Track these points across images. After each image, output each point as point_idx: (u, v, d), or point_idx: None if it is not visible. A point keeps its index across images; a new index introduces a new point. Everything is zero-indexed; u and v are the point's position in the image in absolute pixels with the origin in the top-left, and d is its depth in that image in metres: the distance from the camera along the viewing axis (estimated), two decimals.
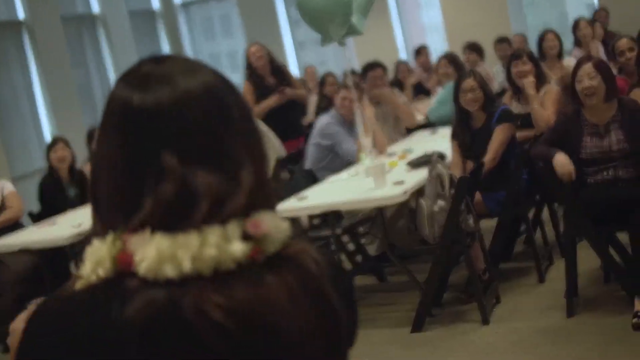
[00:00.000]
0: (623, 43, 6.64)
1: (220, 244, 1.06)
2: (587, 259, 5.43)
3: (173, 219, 1.07)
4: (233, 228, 1.07)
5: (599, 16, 10.93)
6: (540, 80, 6.43)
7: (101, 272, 1.08)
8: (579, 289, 5.20)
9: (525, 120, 6.28)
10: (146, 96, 1.11)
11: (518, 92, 6.50)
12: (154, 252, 1.05)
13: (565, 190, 5.04)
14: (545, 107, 6.26)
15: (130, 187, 1.10)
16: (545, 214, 6.34)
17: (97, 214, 1.16)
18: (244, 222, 1.08)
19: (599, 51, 8.82)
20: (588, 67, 5.04)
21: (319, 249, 1.20)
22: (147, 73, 1.14)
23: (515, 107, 6.41)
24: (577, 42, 9.20)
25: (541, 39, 8.30)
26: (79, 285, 1.10)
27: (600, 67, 5.04)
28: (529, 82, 6.29)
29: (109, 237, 1.09)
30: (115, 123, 1.13)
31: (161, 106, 1.10)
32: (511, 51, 9.29)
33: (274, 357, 1.08)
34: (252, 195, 1.10)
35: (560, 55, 8.20)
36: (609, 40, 8.99)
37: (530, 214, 6.17)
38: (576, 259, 5.10)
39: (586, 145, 5.02)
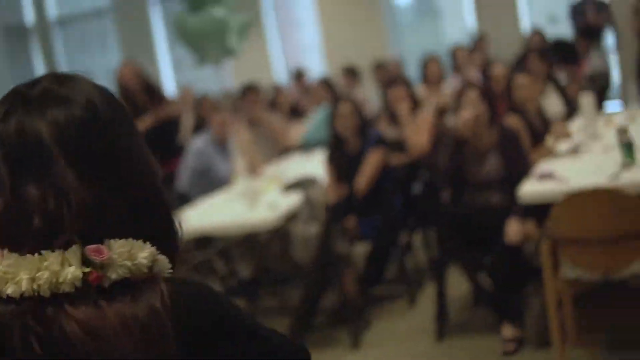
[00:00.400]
0: (498, 69, 6.81)
1: (56, 268, 1.11)
2: (458, 283, 5.51)
3: (10, 233, 1.14)
4: (73, 252, 1.13)
5: (479, 43, 11.18)
6: (416, 106, 6.52)
7: None
8: (449, 313, 5.27)
9: (400, 146, 6.35)
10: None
11: (393, 117, 6.58)
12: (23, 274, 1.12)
13: (438, 215, 5.12)
14: (419, 133, 6.34)
15: None
16: (418, 238, 6.41)
17: None
18: (85, 247, 1.13)
19: (474, 77, 9.02)
20: (472, 93, 5.13)
21: (189, 281, 1.24)
22: (9, 102, 1.23)
23: (390, 133, 6.49)
24: (455, 68, 9.40)
25: (424, 64, 8.46)
26: None
27: (484, 94, 5.15)
28: (404, 108, 6.37)
29: None
30: None
31: (7, 138, 1.19)
32: (388, 75, 9.45)
33: None
34: (89, 219, 1.15)
35: (441, 79, 8.38)
36: (486, 66, 9.22)
37: (404, 238, 6.22)
38: (446, 283, 5.17)
39: (467, 169, 5.11)
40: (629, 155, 4.83)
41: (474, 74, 9.17)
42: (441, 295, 5.11)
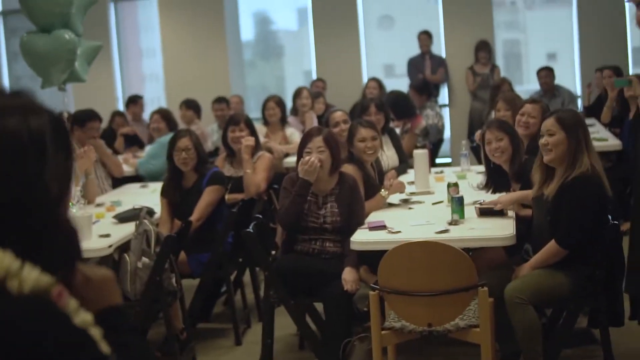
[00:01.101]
0: (338, 115, 6.93)
1: None
2: (284, 324, 5.55)
3: None
4: None
5: (318, 86, 11.35)
6: (255, 146, 6.54)
7: None
8: (274, 353, 5.27)
9: (236, 184, 6.36)
10: None
11: (232, 155, 6.60)
12: None
13: (267, 256, 5.15)
14: (257, 172, 6.38)
15: None
16: (247, 276, 6.41)
17: None
18: None
19: (314, 121, 9.14)
20: (318, 140, 5.19)
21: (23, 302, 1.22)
22: None
23: (228, 170, 6.50)
24: (294, 111, 9.50)
25: (263, 106, 8.52)
26: None
27: (329, 140, 5.22)
28: (244, 147, 6.39)
29: None
30: None
31: None
32: (228, 111, 9.45)
33: None
34: None
35: (283, 121, 8.45)
36: (326, 111, 9.38)
37: (233, 276, 6.22)
38: (273, 323, 5.19)
39: (304, 213, 5.16)
40: (458, 211, 5.02)
41: (311, 118, 9.30)
42: (267, 336, 5.12)
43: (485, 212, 5.11)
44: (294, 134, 8.55)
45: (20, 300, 1.22)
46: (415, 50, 12.06)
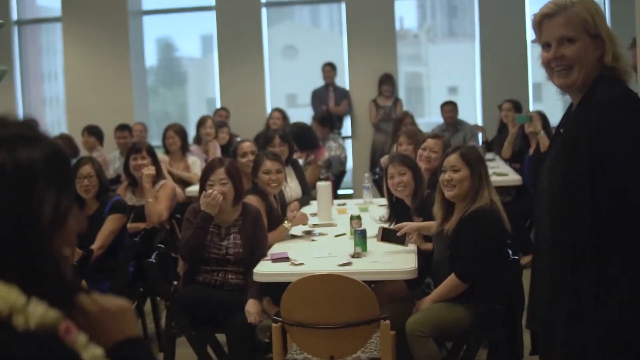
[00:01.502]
0: (247, 145, 6.91)
1: None
2: (185, 354, 5.48)
3: None
4: None
5: (222, 115, 11.32)
6: (157, 175, 6.49)
7: None
8: None
9: (138, 213, 6.29)
10: None
11: (134, 184, 6.52)
12: None
13: (169, 286, 5.10)
14: (159, 201, 6.32)
15: None
16: (147, 306, 6.32)
17: None
18: None
19: (217, 151, 9.11)
20: (221, 172, 5.18)
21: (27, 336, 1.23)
22: None
23: (130, 199, 6.43)
24: (198, 140, 9.44)
25: (164, 135, 8.46)
26: None
27: (231, 172, 5.20)
28: (144, 176, 6.33)
29: None
30: None
31: None
32: (131, 139, 9.35)
33: None
34: None
35: (183, 149, 8.39)
36: (231, 141, 9.37)
37: (133, 305, 6.11)
38: (174, 354, 5.12)
39: (207, 245, 5.12)
40: (361, 243, 5.06)
41: (215, 147, 9.27)
42: None
43: (387, 236, 5.14)
44: (196, 162, 8.51)
45: (27, 336, 1.22)
46: (319, 81, 12.14)
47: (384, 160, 6.94)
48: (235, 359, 4.88)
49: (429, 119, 12.81)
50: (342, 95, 12.05)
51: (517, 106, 9.81)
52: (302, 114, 11.82)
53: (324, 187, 6.36)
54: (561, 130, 2.95)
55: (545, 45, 2.88)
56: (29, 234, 1.29)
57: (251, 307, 4.87)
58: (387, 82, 11.83)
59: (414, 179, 5.49)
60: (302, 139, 8.52)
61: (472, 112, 12.43)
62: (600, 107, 2.72)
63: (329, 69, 12.02)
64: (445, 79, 14.04)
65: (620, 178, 2.67)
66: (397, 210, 5.69)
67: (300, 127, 8.90)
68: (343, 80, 12.46)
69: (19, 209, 1.29)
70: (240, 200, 5.26)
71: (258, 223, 5.29)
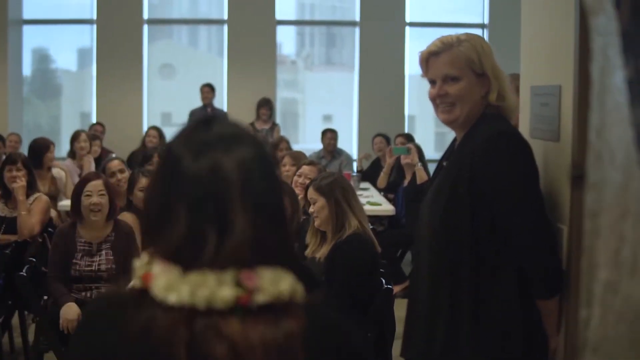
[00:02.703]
0: (115, 164, 6.87)
1: (213, 286, 1.31)
2: None
3: (182, 256, 1.34)
4: (229, 275, 1.32)
5: (97, 130, 11.19)
6: (32, 187, 6.39)
7: (136, 283, 1.38)
8: None
9: (10, 225, 6.18)
10: (192, 164, 1.39)
11: (7, 196, 6.39)
12: (164, 280, 1.33)
13: (39, 301, 5.04)
14: (32, 214, 6.23)
15: (160, 224, 1.39)
16: (15, 319, 6.19)
17: (144, 235, 1.46)
18: (240, 272, 1.33)
19: (92, 165, 9.01)
20: (98, 183, 5.15)
21: (323, 311, 1.44)
22: (200, 141, 1.42)
23: (2, 210, 6.30)
24: (72, 154, 9.31)
25: (33, 146, 8.29)
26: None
27: (108, 185, 5.20)
28: (17, 188, 6.23)
29: (145, 256, 1.40)
30: (165, 173, 1.42)
31: (197, 176, 1.38)
32: (4, 150, 9.15)
33: None
34: (244, 250, 1.34)
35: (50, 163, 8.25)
36: (103, 156, 9.26)
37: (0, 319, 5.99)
38: None
39: (77, 263, 5.08)
40: None
41: (89, 162, 9.16)
42: None
43: None
44: (62, 176, 8.37)
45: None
46: (196, 101, 12.14)
47: None
48: None
49: (304, 145, 12.98)
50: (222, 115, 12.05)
51: (387, 140, 10.11)
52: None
53: None
54: (444, 164, 3.08)
55: (432, 82, 3.01)
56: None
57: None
58: (265, 106, 11.94)
59: (290, 204, 5.58)
60: None
61: (348, 141, 12.65)
62: (482, 142, 2.86)
63: (208, 89, 12.03)
64: (321, 106, 14.25)
65: (499, 208, 2.82)
66: None
67: None
68: (221, 101, 12.51)
69: None
70: (113, 216, 5.24)
71: (131, 239, 5.27)
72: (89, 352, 1.41)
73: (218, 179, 1.38)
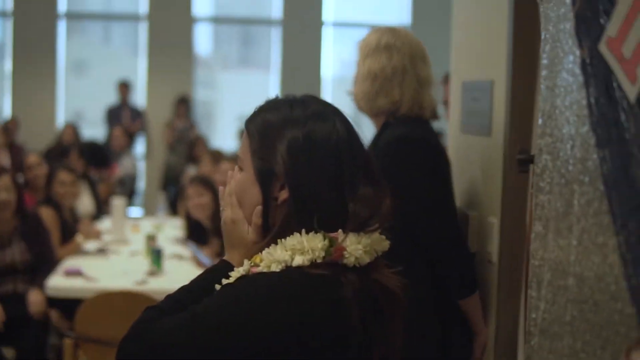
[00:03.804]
0: (33, 159, 6.72)
1: (376, 244, 1.61)
2: None
3: (363, 225, 1.59)
4: (377, 233, 1.62)
5: (10, 124, 10.94)
6: None
7: (308, 259, 1.55)
8: None
9: None
10: (341, 130, 1.64)
11: None
12: (360, 248, 1.57)
13: None
14: None
15: (335, 202, 1.59)
16: None
17: (296, 220, 1.59)
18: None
19: (6, 160, 8.81)
20: (6, 179, 5.01)
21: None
22: (320, 113, 1.65)
23: None
24: None
25: None
26: (270, 265, 1.57)
27: (16, 181, 5.06)
28: None
29: (318, 235, 1.56)
30: (329, 154, 1.60)
31: (354, 139, 1.66)
32: None
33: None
34: (391, 215, 1.64)
35: None
36: (16, 151, 9.05)
37: None
38: None
39: None
40: (157, 262, 5.05)
41: (3, 158, 8.96)
42: None
43: None
44: None
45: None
46: (110, 98, 11.97)
47: (185, 180, 6.97)
48: None
49: (220, 143, 12.91)
50: (136, 114, 11.92)
51: None
52: (91, 131, 11.64)
53: (119, 204, 6.29)
54: None
55: None
56: None
57: (37, 297, 4.76)
58: (184, 104, 11.82)
59: (214, 200, 5.54)
60: (96, 155, 8.40)
61: None
62: (381, 147, 2.87)
63: (124, 87, 11.87)
64: (237, 106, 14.23)
65: (407, 214, 2.81)
66: (195, 232, 5.72)
67: (94, 144, 8.78)
68: (137, 98, 12.35)
69: None
70: (22, 212, 5.09)
71: (39, 223, 5.16)
72: (302, 321, 1.53)
73: (352, 147, 1.64)
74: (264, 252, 1.61)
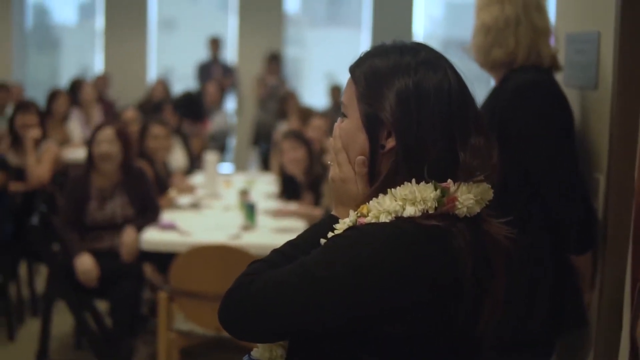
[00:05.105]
0: (130, 114, 6.79)
1: (484, 194, 1.59)
2: (61, 322, 5.38)
3: (470, 175, 1.55)
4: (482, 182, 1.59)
5: (99, 80, 11.10)
6: (43, 136, 6.29)
7: (420, 209, 1.52)
8: (50, 351, 5.09)
9: (21, 173, 6.10)
10: (453, 79, 1.60)
11: (17, 143, 6.28)
12: (472, 197, 1.55)
13: (50, 250, 4.96)
14: (41, 163, 6.15)
15: (446, 151, 1.55)
16: (22, 269, 6.12)
17: (405, 169, 1.55)
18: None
19: (100, 115, 8.94)
20: (109, 132, 5.02)
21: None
22: (431, 61, 1.61)
23: (13, 158, 6.19)
24: (77, 102, 9.21)
25: (50, 97, 8.21)
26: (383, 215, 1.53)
27: (121, 133, 5.07)
28: (30, 136, 6.13)
29: (429, 185, 1.53)
30: (441, 103, 1.56)
31: (465, 89, 1.63)
32: (9, 99, 9.05)
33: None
34: (497, 167, 1.62)
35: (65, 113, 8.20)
36: (109, 106, 9.17)
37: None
38: (51, 320, 5.00)
39: (90, 210, 4.98)
40: (250, 217, 5.06)
41: (95, 113, 9.09)
42: (45, 333, 4.93)
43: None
44: (76, 128, 8.33)
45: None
46: (202, 55, 12.04)
47: (277, 135, 6.96)
48: (116, 328, 4.79)
49: (310, 100, 12.91)
50: (227, 70, 11.97)
51: None
52: (182, 86, 11.75)
53: (211, 159, 6.31)
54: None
55: None
56: None
57: (127, 236, 4.84)
58: (275, 60, 11.80)
59: (308, 155, 5.52)
60: (190, 109, 8.44)
61: None
62: (511, 91, 2.83)
63: (215, 43, 11.91)
64: (325, 64, 14.18)
65: (531, 159, 2.78)
66: (288, 187, 5.72)
67: (190, 95, 8.81)
68: (229, 55, 12.40)
69: None
70: (128, 164, 5.10)
71: (145, 179, 5.17)
72: (420, 268, 1.50)
73: (464, 97, 1.61)
74: (371, 202, 1.56)
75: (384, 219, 1.53)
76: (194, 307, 4.32)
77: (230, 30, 12.66)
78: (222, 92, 10.99)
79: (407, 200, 1.53)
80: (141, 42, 12.55)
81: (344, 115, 1.65)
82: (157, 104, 7.24)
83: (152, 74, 12.54)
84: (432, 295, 1.50)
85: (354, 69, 1.65)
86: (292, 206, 5.54)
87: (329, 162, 1.69)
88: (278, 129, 8.86)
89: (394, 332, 1.51)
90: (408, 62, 1.59)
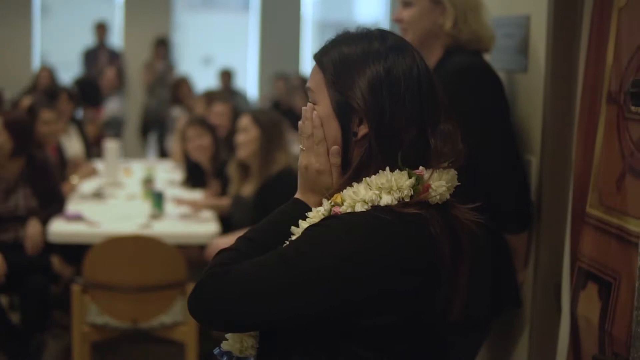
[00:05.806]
0: (25, 103, 6.53)
1: (455, 179, 1.60)
2: None
3: (441, 162, 1.55)
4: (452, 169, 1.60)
5: None
6: None
7: (396, 198, 1.51)
8: None
9: None
10: (421, 64, 1.58)
11: None
12: (444, 184, 1.55)
13: None
14: None
15: (417, 137, 1.54)
16: None
17: (379, 156, 1.53)
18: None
19: None
20: None
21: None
22: (399, 46, 1.59)
23: None
24: None
25: None
26: (354, 203, 1.51)
27: (9, 123, 4.86)
28: None
29: (404, 173, 1.52)
30: (411, 89, 1.55)
31: (432, 74, 1.61)
32: None
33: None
34: (464, 154, 1.61)
35: None
36: None
37: None
38: None
39: None
40: (158, 206, 4.95)
41: None
42: None
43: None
44: None
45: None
46: (89, 40, 11.75)
47: (180, 122, 6.84)
48: (26, 323, 4.63)
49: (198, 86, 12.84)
50: (115, 56, 11.69)
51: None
52: (68, 73, 11.46)
53: (111, 147, 6.15)
54: None
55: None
56: None
57: (32, 228, 4.69)
58: (162, 45, 11.57)
59: (213, 142, 5.43)
60: (89, 93, 8.24)
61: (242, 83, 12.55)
62: (449, 76, 2.78)
63: (102, 28, 11.62)
64: (202, 48, 14.17)
65: (468, 143, 2.77)
66: (193, 174, 5.62)
67: (88, 80, 8.60)
68: (113, 41, 12.14)
69: None
70: (21, 153, 4.91)
71: (49, 170, 5.01)
72: (402, 256, 1.50)
73: (432, 82, 1.59)
74: (345, 191, 1.54)
75: (359, 208, 1.51)
76: (109, 300, 4.21)
77: (117, 16, 12.40)
78: (120, 78, 10.73)
79: (383, 189, 1.51)
80: (25, 28, 12.16)
81: (314, 103, 1.61)
82: (53, 92, 6.97)
83: (37, 61, 12.17)
84: (416, 282, 1.50)
85: (320, 57, 1.62)
86: (198, 194, 5.46)
87: (301, 148, 1.64)
88: (172, 115, 8.70)
89: (376, 319, 1.49)
90: (377, 48, 1.57)
